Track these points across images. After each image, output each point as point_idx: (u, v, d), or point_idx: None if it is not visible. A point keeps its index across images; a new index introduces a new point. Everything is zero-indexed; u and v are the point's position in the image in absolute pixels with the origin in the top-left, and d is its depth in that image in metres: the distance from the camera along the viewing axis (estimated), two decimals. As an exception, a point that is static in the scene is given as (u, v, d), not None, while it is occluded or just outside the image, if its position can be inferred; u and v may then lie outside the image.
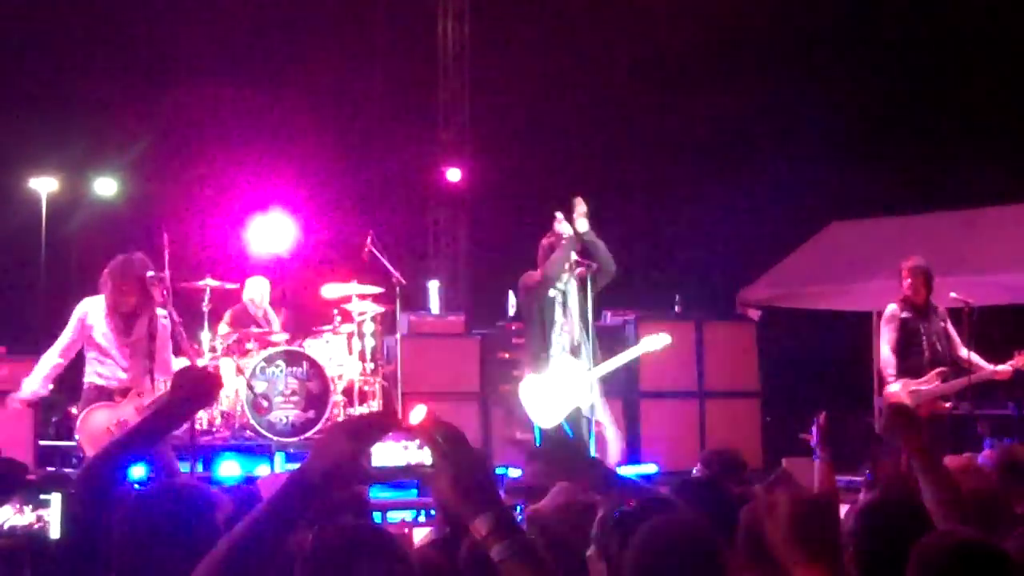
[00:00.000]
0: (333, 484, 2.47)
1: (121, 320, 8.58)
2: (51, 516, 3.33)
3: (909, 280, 10.01)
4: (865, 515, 3.64)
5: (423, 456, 2.59)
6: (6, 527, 3.26)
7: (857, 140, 16.57)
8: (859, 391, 14.39)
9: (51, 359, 8.61)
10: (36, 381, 8.63)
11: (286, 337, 11.82)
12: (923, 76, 16.17)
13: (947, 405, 9.87)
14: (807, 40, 16.43)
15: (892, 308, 10.10)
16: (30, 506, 3.33)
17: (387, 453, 2.59)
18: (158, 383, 8.72)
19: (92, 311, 8.60)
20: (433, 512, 5.46)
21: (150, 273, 8.75)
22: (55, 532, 3.33)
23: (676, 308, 13.49)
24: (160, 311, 8.78)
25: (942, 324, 10.04)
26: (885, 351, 10.02)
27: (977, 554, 3.01)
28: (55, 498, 3.34)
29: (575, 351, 9.40)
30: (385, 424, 2.54)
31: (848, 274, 14.21)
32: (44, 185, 14.81)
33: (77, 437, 8.69)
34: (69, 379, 8.94)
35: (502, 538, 2.49)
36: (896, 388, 9.74)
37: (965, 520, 3.69)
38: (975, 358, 9.93)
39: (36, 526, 3.31)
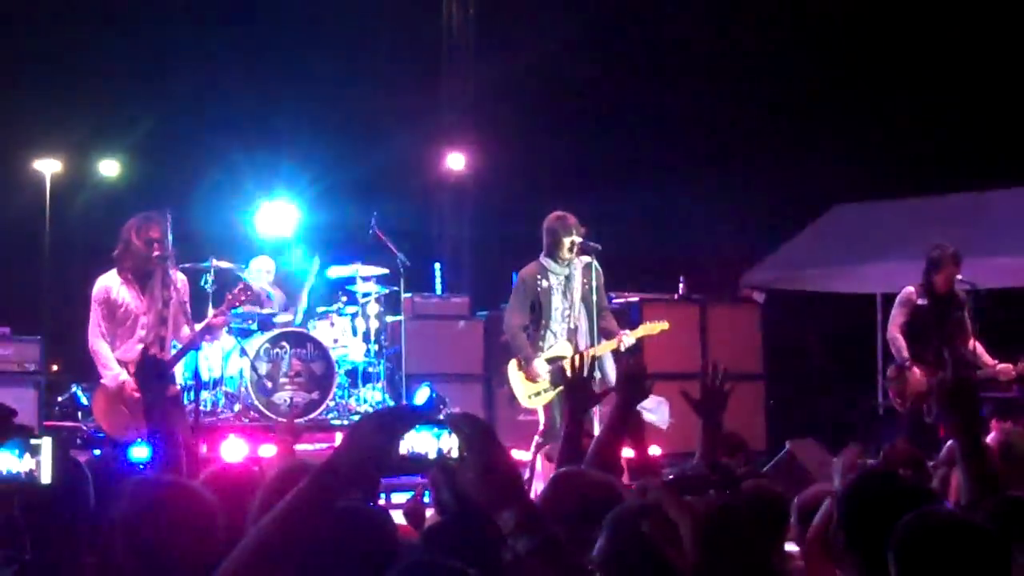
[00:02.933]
0: (363, 474, 2.48)
1: (140, 289, 8.56)
2: (43, 461, 3.33)
3: (952, 269, 9.84)
4: (844, 500, 3.65)
5: (452, 447, 2.59)
6: (5, 472, 3.25)
7: (861, 122, 16.55)
8: (863, 373, 14.41)
9: (106, 348, 8.51)
10: (117, 371, 8.51)
11: (290, 318, 11.83)
12: (927, 58, 16.14)
13: None
14: (808, 22, 16.40)
15: (909, 291, 9.97)
16: (28, 453, 3.32)
17: (416, 443, 2.59)
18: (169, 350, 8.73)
19: (113, 286, 8.57)
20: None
21: (155, 254, 8.74)
22: (46, 477, 3.33)
23: (680, 290, 13.49)
24: (179, 275, 8.78)
25: (959, 313, 9.93)
26: (894, 332, 9.96)
27: (959, 531, 3.01)
28: (46, 442, 3.33)
29: (571, 336, 9.43)
30: (415, 415, 2.54)
31: (851, 257, 14.21)
32: (48, 167, 14.81)
33: (94, 415, 8.70)
34: (74, 359, 8.94)
35: (528, 532, 2.49)
36: (920, 376, 9.74)
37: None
38: (980, 351, 9.88)
39: (29, 471, 3.31)
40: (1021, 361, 9.80)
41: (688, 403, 4.81)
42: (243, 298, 9.32)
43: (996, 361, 9.85)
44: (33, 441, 3.29)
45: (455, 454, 2.57)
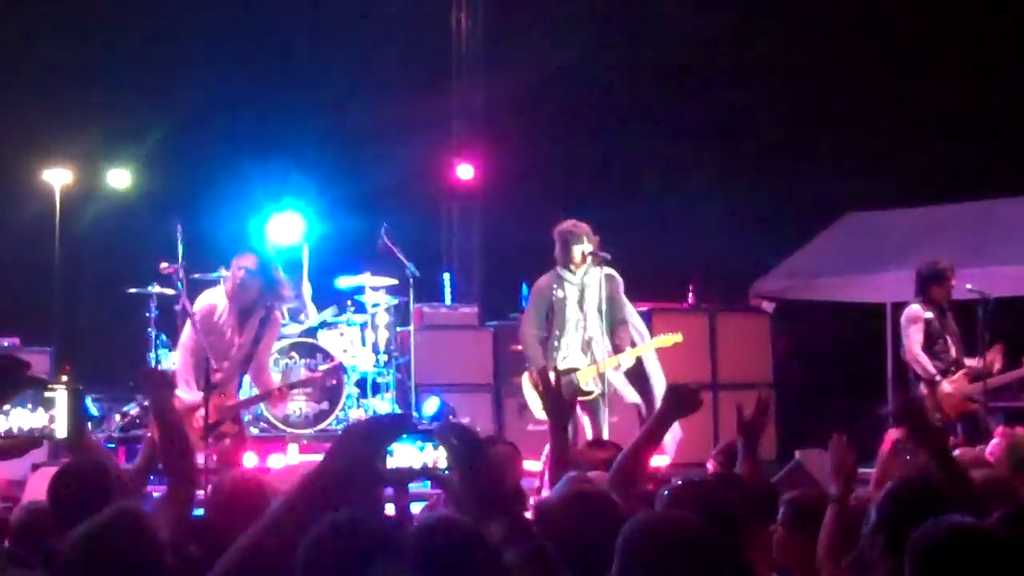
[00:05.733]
0: (348, 486, 2.46)
1: (239, 316, 8.54)
2: (57, 414, 3.28)
3: (951, 282, 9.99)
4: (886, 505, 3.64)
5: (439, 458, 2.58)
6: (18, 429, 3.22)
7: (873, 130, 16.51)
8: (873, 383, 14.36)
9: (186, 360, 8.45)
10: (196, 393, 8.46)
11: (299, 328, 11.83)
12: (938, 67, 16.11)
13: (974, 405, 9.86)
14: (822, 30, 16.37)
15: (916, 308, 10.05)
16: (41, 406, 3.28)
17: (403, 455, 2.58)
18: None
19: (219, 305, 8.54)
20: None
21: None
22: (61, 432, 3.29)
23: (690, 299, 13.48)
24: (278, 317, 8.77)
25: (953, 322, 10.06)
26: (915, 350, 9.96)
27: (970, 540, 3.00)
28: (61, 396, 3.28)
29: (585, 347, 9.42)
30: (400, 426, 2.52)
31: (863, 265, 14.17)
32: (58, 177, 14.79)
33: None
34: (84, 370, 8.94)
35: (516, 543, 2.47)
36: (949, 388, 9.76)
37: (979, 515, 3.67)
38: (967, 361, 9.97)
39: (44, 426, 3.28)
40: None
41: (738, 422, 4.82)
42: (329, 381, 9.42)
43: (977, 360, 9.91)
44: (47, 394, 3.23)
45: (442, 465, 2.56)
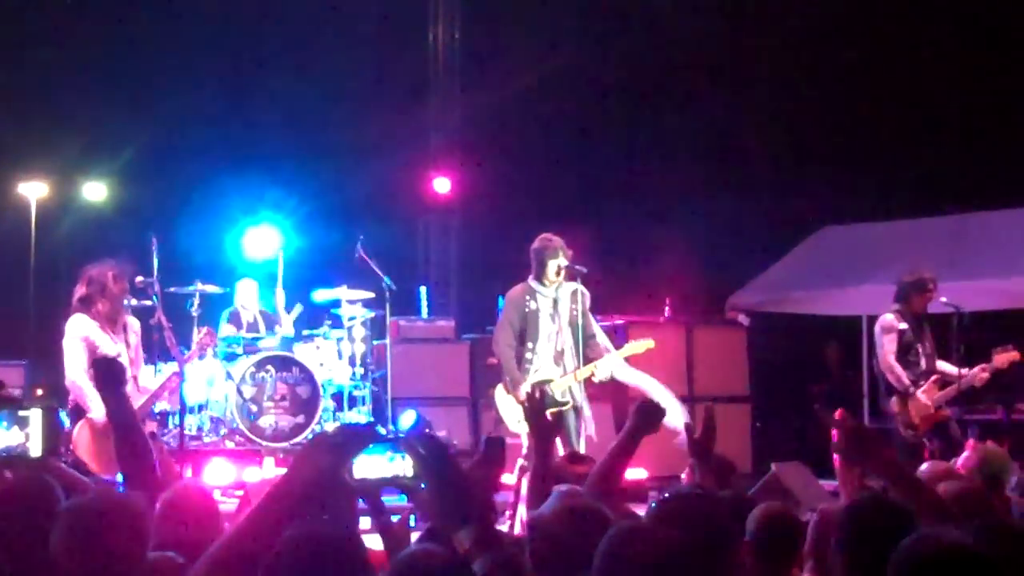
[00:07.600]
0: (314, 496, 2.45)
1: (112, 332, 8.58)
2: (32, 433, 3.30)
3: (932, 293, 9.97)
4: (844, 524, 3.64)
5: (406, 468, 2.58)
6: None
7: (848, 145, 16.58)
8: (849, 396, 14.40)
9: (88, 383, 8.41)
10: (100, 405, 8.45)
11: (276, 342, 11.82)
12: (914, 80, 16.20)
13: (946, 412, 9.88)
14: (797, 44, 16.44)
15: (890, 318, 10.02)
16: (16, 425, 3.29)
17: (370, 465, 2.57)
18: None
19: (90, 329, 8.55)
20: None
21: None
22: (36, 449, 3.30)
23: (666, 313, 13.49)
24: (131, 320, 8.81)
25: (929, 332, 10.08)
26: (890, 360, 9.95)
27: (958, 559, 2.99)
28: (35, 414, 3.30)
29: (558, 358, 9.41)
30: (367, 436, 2.51)
31: (839, 279, 14.20)
32: (33, 190, 14.77)
33: (75, 450, 8.62)
34: (59, 384, 8.92)
35: (484, 552, 2.47)
36: (923, 398, 9.76)
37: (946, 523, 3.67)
38: (945, 368, 9.97)
39: (20, 444, 3.29)
40: (995, 353, 9.86)
41: (689, 442, 4.82)
42: (207, 343, 9.43)
43: (966, 369, 9.89)
44: (22, 413, 3.25)
45: (409, 474, 2.56)
